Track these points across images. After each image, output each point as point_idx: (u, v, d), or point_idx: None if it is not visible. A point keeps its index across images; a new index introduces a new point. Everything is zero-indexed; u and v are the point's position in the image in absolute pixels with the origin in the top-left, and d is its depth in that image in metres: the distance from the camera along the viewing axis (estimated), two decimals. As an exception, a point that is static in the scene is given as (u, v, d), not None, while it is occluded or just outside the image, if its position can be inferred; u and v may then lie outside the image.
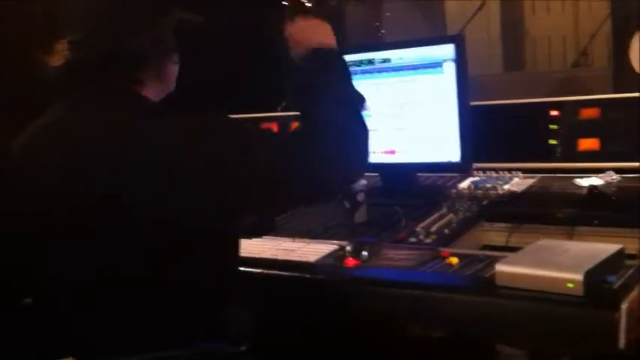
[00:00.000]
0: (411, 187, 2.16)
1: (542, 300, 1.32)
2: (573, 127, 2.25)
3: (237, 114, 2.80)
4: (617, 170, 2.04)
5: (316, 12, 1.63)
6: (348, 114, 1.47)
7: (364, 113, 1.52)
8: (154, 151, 1.27)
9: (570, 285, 1.30)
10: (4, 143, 1.45)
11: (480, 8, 5.22)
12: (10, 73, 2.40)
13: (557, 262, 1.38)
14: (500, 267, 1.39)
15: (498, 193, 2.04)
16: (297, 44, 1.56)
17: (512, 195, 2.03)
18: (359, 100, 1.52)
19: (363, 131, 1.47)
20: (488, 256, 1.57)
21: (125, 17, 1.41)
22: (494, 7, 6.22)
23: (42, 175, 1.36)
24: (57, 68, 1.40)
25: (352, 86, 1.53)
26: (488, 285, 1.41)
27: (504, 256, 1.50)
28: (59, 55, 1.41)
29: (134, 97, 1.41)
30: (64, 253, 1.33)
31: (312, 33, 1.56)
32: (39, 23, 1.97)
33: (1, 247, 1.42)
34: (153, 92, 1.47)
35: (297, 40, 1.56)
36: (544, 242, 1.54)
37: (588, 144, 2.21)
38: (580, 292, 1.29)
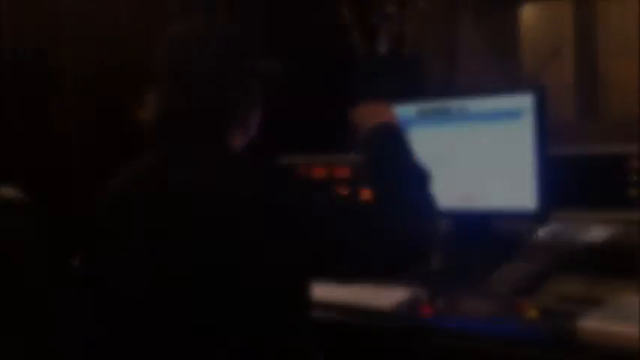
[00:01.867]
0: (486, 234, 2.13)
1: (625, 358, 1.29)
2: (656, 178, 2.19)
3: (312, 154, 2.82)
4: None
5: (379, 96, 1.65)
6: (410, 187, 1.42)
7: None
8: (243, 201, 1.28)
9: (656, 344, 1.27)
10: (98, 186, 1.50)
11: (555, 54, 5.17)
12: (106, 121, 2.51)
13: (641, 320, 1.35)
14: (582, 323, 1.37)
15: (577, 244, 2.00)
16: (358, 127, 1.60)
17: (591, 246, 1.99)
18: (424, 175, 1.46)
19: (426, 207, 1.41)
20: (568, 310, 1.54)
21: (213, 71, 1.45)
22: (568, 52, 6.16)
23: (130, 221, 1.38)
24: (148, 119, 1.45)
25: (414, 160, 1.50)
26: (570, 340, 1.38)
27: (585, 310, 1.48)
28: (149, 107, 1.45)
29: (222, 146, 1.44)
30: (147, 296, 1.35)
31: (371, 114, 1.59)
32: (133, 75, 2.03)
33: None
34: (238, 140, 1.50)
35: (358, 123, 1.61)
36: (627, 298, 1.51)
37: (671, 196, 2.15)
38: (666, 351, 1.26)
